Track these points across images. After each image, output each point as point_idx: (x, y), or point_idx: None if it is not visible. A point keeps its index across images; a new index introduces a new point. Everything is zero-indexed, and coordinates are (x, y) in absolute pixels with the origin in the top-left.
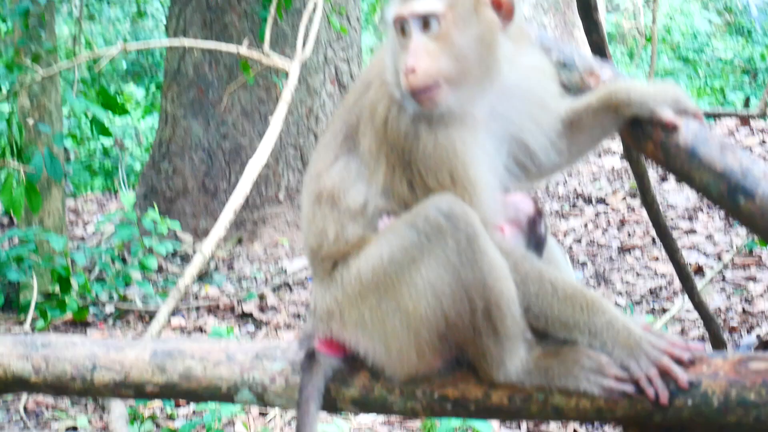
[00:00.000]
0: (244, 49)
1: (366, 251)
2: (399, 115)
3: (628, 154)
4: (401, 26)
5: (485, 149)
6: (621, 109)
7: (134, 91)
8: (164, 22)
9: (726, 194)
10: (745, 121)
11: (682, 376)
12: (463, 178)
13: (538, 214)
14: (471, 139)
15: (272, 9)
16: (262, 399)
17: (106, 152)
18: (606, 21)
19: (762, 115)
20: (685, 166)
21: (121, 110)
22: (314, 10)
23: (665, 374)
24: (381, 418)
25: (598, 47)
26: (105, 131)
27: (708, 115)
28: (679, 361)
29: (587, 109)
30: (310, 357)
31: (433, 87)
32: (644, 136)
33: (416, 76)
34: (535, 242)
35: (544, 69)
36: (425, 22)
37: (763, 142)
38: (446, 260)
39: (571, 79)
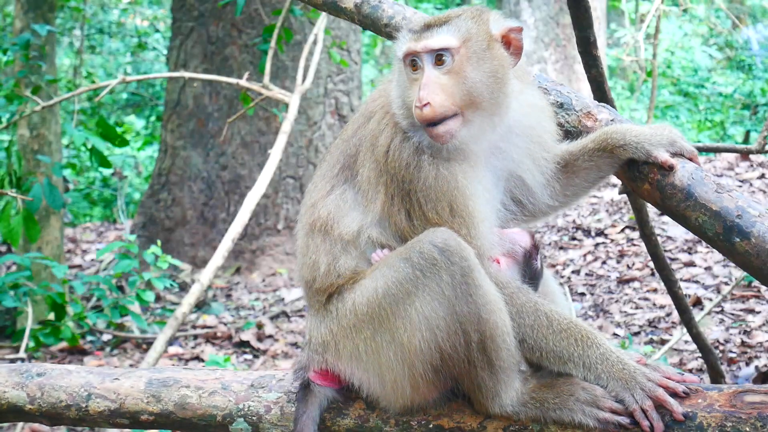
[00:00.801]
0: (244, 82)
1: (361, 284)
2: (402, 146)
3: (627, 188)
4: (412, 61)
5: (484, 183)
6: (617, 151)
7: (134, 122)
8: (165, 53)
9: (721, 234)
10: (744, 155)
11: (677, 408)
12: (462, 211)
13: (535, 248)
14: (472, 173)
15: (273, 42)
16: (257, 429)
17: (105, 182)
18: (606, 55)
19: (761, 150)
20: (681, 206)
21: (120, 141)
22: (315, 43)
23: (660, 406)
24: None
25: (597, 82)
26: (104, 162)
27: (708, 150)
28: (674, 394)
29: (583, 151)
30: (305, 387)
31: (446, 120)
32: (641, 177)
33: (430, 109)
34: (531, 275)
35: (544, 109)
36: (438, 56)
37: (763, 176)
38: (441, 294)
39: (568, 120)
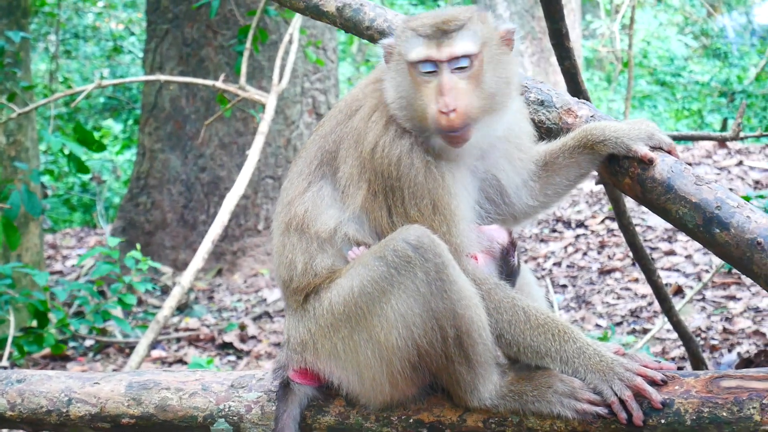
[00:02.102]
0: (220, 83)
1: (337, 283)
2: (394, 143)
3: (604, 179)
4: (428, 65)
5: (464, 182)
6: (597, 147)
7: (112, 126)
8: (141, 57)
9: (701, 226)
10: (722, 143)
11: (656, 396)
12: (445, 209)
13: (512, 244)
14: (457, 173)
15: (248, 42)
16: (239, 428)
17: (84, 187)
18: (583, 47)
19: (736, 137)
20: (662, 199)
21: (98, 146)
22: (290, 42)
23: (639, 395)
24: None
25: (571, 74)
26: (82, 168)
27: (685, 138)
28: (652, 382)
29: (563, 149)
30: (285, 386)
31: (468, 126)
32: (621, 172)
33: (456, 116)
34: (508, 271)
35: (521, 109)
36: (459, 65)
37: (741, 163)
38: (416, 291)
39: (549, 117)
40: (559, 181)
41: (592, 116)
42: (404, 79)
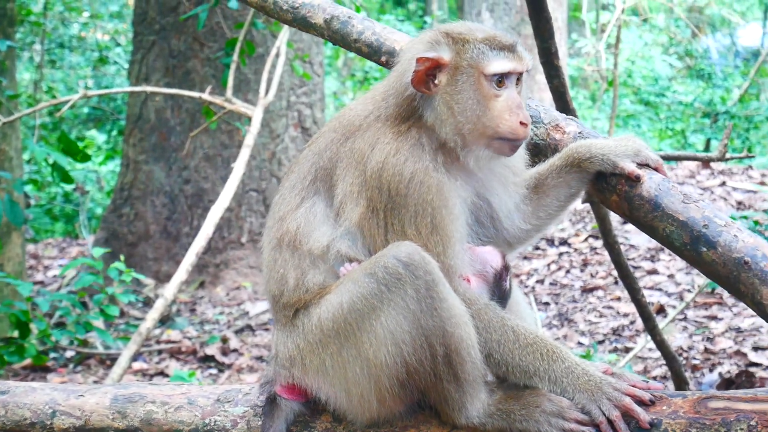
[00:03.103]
0: (206, 95)
1: (327, 299)
2: (407, 162)
3: (590, 197)
4: (500, 79)
5: (465, 205)
6: (584, 165)
7: (96, 136)
8: (126, 68)
9: (689, 244)
10: (706, 163)
11: (644, 416)
12: (442, 229)
13: (505, 268)
14: (462, 192)
15: (235, 55)
16: None
17: (67, 197)
18: (568, 65)
19: (722, 158)
20: (649, 217)
21: (82, 156)
22: (277, 56)
23: (627, 414)
24: None
25: (559, 92)
26: (66, 178)
27: (670, 158)
28: (640, 401)
29: (551, 169)
30: (272, 401)
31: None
32: (609, 189)
33: (529, 128)
34: (500, 295)
35: None
36: (518, 78)
37: (723, 183)
38: (406, 308)
39: (537, 133)
40: (549, 202)
41: (579, 132)
42: (473, 91)
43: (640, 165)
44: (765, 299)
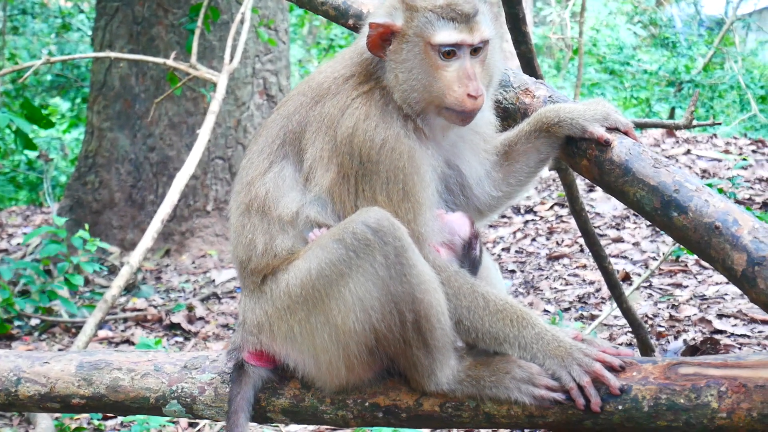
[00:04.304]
0: (171, 61)
1: (295, 265)
2: (378, 128)
3: (557, 164)
4: (450, 50)
5: (436, 172)
6: (552, 129)
7: (60, 104)
8: (90, 34)
9: (659, 209)
10: (670, 131)
11: (614, 382)
12: (413, 196)
13: (474, 236)
14: (433, 161)
15: (200, 21)
16: (191, 410)
17: (30, 165)
18: (533, 34)
19: (689, 125)
20: (619, 182)
21: (46, 123)
22: (242, 22)
23: (597, 380)
24: (312, 427)
25: (527, 58)
26: (30, 144)
27: (637, 125)
28: (610, 367)
29: (519, 135)
30: (240, 368)
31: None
32: (579, 153)
33: (480, 99)
34: (470, 263)
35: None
36: (476, 48)
37: (688, 151)
38: (375, 274)
39: (506, 97)
40: (519, 168)
41: (549, 96)
42: (419, 60)
43: (610, 129)
44: (736, 264)
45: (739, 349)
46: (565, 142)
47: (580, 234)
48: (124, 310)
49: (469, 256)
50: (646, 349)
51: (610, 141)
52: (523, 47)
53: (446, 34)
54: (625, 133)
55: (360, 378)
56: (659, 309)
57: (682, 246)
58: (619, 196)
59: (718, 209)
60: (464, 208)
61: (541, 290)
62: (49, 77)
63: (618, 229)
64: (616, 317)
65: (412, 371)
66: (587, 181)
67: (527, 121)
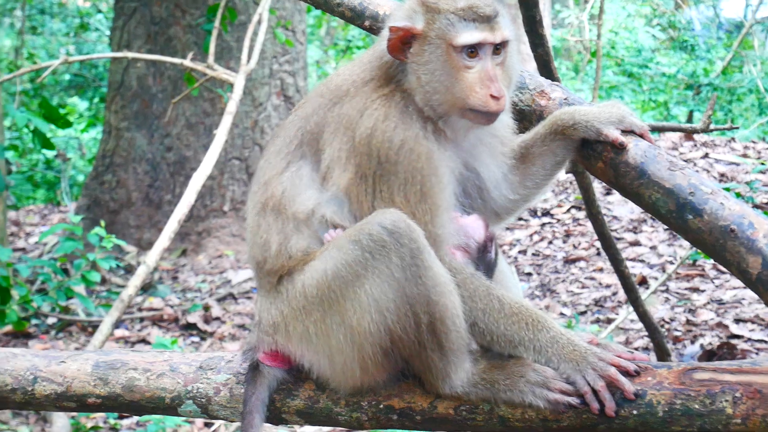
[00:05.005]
0: (188, 62)
1: (311, 266)
2: (397, 128)
3: (574, 167)
4: (472, 50)
5: (454, 174)
6: (567, 132)
7: (77, 103)
8: (108, 34)
9: (674, 212)
10: (688, 135)
11: (629, 386)
12: (430, 197)
13: (489, 239)
14: (451, 163)
15: (217, 22)
16: (206, 411)
17: (48, 164)
18: (551, 36)
19: (706, 129)
20: (635, 184)
21: (63, 123)
22: (259, 23)
23: (612, 385)
24: (326, 428)
25: (544, 61)
26: (47, 144)
27: (654, 129)
28: (625, 372)
29: (535, 137)
30: (255, 368)
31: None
32: (594, 156)
33: (503, 100)
34: (485, 266)
35: None
36: (497, 48)
37: (706, 155)
38: (390, 276)
39: (522, 99)
40: (535, 171)
41: (565, 99)
42: (442, 63)
43: (625, 132)
44: (751, 268)
45: (756, 354)
46: (580, 145)
47: (597, 237)
48: (140, 310)
49: (484, 259)
50: (662, 354)
51: (624, 144)
52: (540, 50)
53: (468, 35)
54: (641, 136)
55: (374, 379)
56: (676, 313)
57: (698, 250)
58: (635, 199)
59: (733, 212)
60: (481, 212)
61: (558, 293)
62: (67, 77)
63: (635, 233)
64: (632, 321)
65: (427, 373)
66: (604, 184)
67: (543, 123)
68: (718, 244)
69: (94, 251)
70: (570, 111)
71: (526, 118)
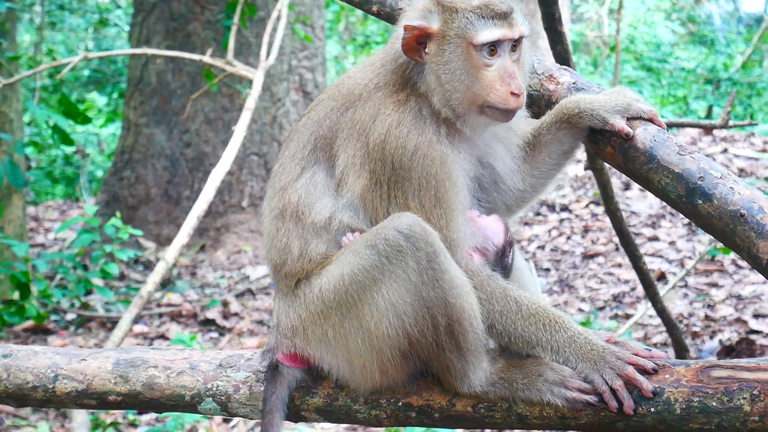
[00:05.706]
0: (207, 58)
1: (328, 270)
2: (410, 134)
3: (592, 163)
4: (492, 48)
5: (469, 176)
6: (573, 120)
7: (96, 99)
8: (127, 30)
9: (684, 197)
10: (708, 130)
11: (647, 385)
12: (445, 201)
13: (509, 244)
14: (465, 164)
15: (236, 18)
16: (226, 408)
17: (67, 160)
18: (570, 31)
19: (725, 125)
20: (644, 169)
21: (82, 119)
22: (278, 18)
23: (630, 383)
24: (345, 425)
25: (563, 58)
26: (67, 140)
27: (672, 125)
28: (642, 370)
29: (542, 126)
30: (274, 368)
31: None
32: (603, 141)
33: (522, 97)
34: (502, 269)
35: None
36: (515, 45)
37: (725, 150)
38: (407, 280)
39: (531, 84)
40: (542, 159)
41: (574, 83)
42: (462, 61)
43: (632, 119)
44: (761, 252)
45: None
46: (590, 131)
47: (615, 233)
48: (159, 306)
49: (501, 263)
50: (681, 350)
51: (630, 134)
52: (559, 47)
53: (489, 32)
54: (650, 120)
55: (393, 380)
56: (695, 308)
57: (717, 245)
58: (644, 184)
59: (743, 197)
60: (496, 205)
61: (576, 289)
62: (86, 72)
63: (654, 228)
64: (651, 317)
65: (445, 374)
66: (623, 179)
67: (550, 112)
68: (728, 229)
69: (112, 244)
70: (576, 99)
71: (534, 102)
